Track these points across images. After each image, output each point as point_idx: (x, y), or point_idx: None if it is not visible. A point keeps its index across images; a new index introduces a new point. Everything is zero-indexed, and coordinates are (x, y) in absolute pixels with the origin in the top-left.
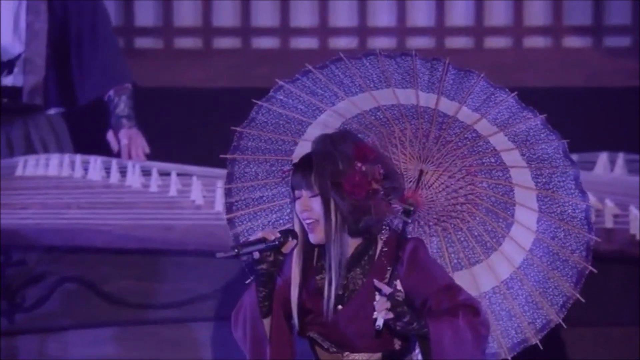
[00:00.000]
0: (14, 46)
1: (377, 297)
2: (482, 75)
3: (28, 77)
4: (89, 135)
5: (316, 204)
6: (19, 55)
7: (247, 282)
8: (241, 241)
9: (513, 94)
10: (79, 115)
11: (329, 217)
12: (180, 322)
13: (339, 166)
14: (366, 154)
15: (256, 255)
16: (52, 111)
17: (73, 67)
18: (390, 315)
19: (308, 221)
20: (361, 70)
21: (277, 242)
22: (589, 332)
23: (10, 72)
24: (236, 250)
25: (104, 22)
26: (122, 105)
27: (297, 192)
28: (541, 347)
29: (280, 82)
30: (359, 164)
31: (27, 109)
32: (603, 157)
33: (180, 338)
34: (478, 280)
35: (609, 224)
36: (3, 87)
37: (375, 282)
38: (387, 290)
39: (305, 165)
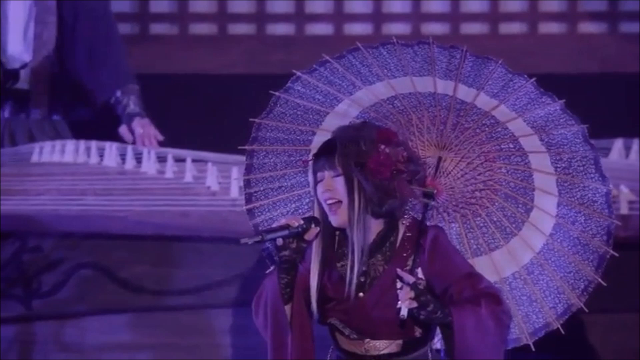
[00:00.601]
0: (22, 56)
1: (399, 285)
2: (500, 61)
3: (34, 86)
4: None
5: (339, 184)
6: (26, 64)
7: (267, 271)
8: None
9: (532, 80)
10: (84, 122)
11: (352, 197)
12: (196, 309)
13: (362, 147)
14: (389, 137)
15: (279, 242)
16: (56, 117)
17: (86, 70)
18: (415, 304)
19: (330, 202)
20: (378, 60)
21: (300, 229)
22: (604, 318)
23: (15, 82)
24: (260, 236)
25: (112, 23)
26: (132, 105)
27: (319, 175)
28: (562, 332)
29: (298, 73)
30: (383, 146)
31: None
32: (618, 144)
33: (196, 324)
34: (498, 265)
35: (624, 210)
36: (10, 90)
37: (398, 271)
38: (409, 279)
39: (328, 149)
